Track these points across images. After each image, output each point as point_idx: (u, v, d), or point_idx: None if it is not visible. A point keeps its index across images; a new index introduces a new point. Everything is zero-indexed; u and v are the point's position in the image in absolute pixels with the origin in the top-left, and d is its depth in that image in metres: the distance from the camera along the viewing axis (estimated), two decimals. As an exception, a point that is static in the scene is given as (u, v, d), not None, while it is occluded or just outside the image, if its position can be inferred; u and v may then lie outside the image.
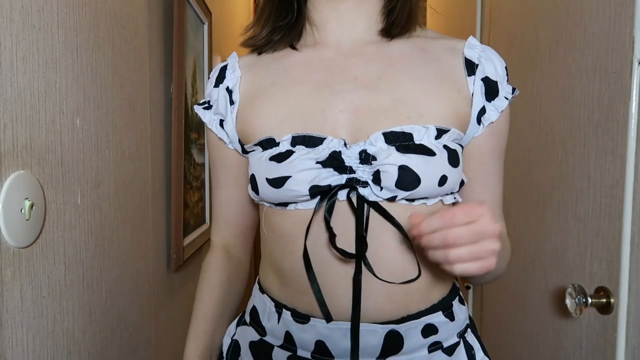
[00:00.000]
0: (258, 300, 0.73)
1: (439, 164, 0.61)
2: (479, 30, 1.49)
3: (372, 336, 0.63)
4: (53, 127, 0.69)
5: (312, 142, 0.63)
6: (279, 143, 0.64)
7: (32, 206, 0.63)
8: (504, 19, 1.30)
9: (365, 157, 0.61)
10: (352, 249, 0.61)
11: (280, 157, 0.63)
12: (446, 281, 0.69)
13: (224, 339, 0.78)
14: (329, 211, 0.61)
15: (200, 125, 1.55)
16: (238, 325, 0.77)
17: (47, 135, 0.68)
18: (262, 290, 0.73)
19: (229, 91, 0.72)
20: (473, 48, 0.69)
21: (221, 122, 0.73)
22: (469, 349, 0.69)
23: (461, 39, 0.71)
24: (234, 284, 0.79)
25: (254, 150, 0.68)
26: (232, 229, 0.80)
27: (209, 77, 0.77)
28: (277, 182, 0.63)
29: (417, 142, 0.61)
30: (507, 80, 0.69)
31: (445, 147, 0.62)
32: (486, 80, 0.67)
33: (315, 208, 0.62)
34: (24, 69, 0.62)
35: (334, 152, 0.61)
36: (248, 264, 0.83)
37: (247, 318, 0.75)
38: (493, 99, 0.67)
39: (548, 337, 1.05)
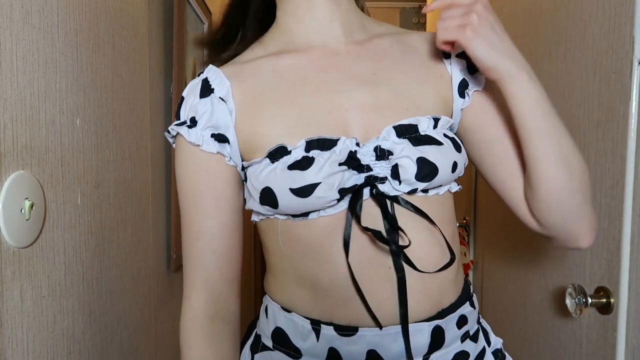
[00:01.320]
0: (283, 321, 0.66)
1: (448, 151, 0.62)
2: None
3: (420, 335, 0.62)
4: (53, 127, 0.69)
5: (326, 145, 0.61)
6: (290, 151, 0.61)
7: (32, 206, 0.63)
8: (504, 19, 1.30)
9: (381, 153, 0.61)
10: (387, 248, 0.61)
11: (301, 165, 0.60)
12: (461, 269, 0.71)
13: None
14: (360, 211, 0.61)
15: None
16: (255, 352, 0.70)
17: (47, 135, 0.68)
18: (286, 309, 0.67)
19: (223, 101, 0.65)
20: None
21: (217, 137, 0.65)
22: (485, 333, 0.72)
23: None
24: (233, 356, 0.68)
25: (257, 163, 0.63)
26: (225, 271, 0.67)
27: (179, 96, 0.68)
28: (304, 191, 0.59)
29: (422, 133, 0.63)
30: None
31: (445, 135, 0.64)
32: (464, 56, 0.68)
33: (349, 210, 0.60)
34: (24, 69, 0.62)
35: (351, 152, 0.60)
36: (239, 314, 0.71)
37: (269, 342, 0.68)
38: (475, 72, 0.68)
39: (548, 337, 1.05)
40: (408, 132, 0.62)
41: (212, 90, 0.65)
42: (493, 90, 0.67)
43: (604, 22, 0.85)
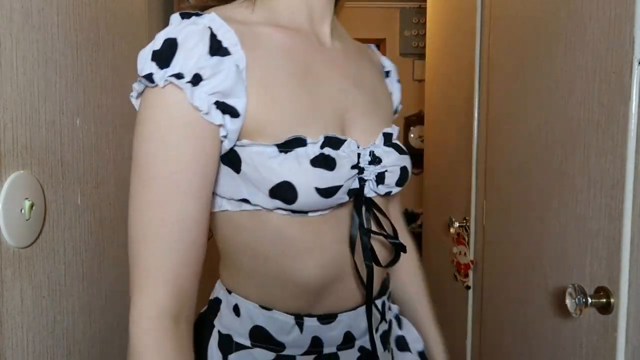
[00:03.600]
0: (263, 319, 0.64)
1: (409, 160, 0.70)
2: (479, 30, 1.49)
3: (375, 310, 0.71)
4: (53, 127, 0.69)
5: (336, 144, 0.59)
6: (307, 144, 0.57)
7: (32, 206, 0.63)
8: (504, 19, 1.30)
9: (373, 159, 0.64)
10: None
11: (327, 164, 0.57)
12: None
13: None
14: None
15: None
16: (228, 352, 0.65)
17: (47, 135, 0.68)
18: (267, 308, 0.65)
19: (238, 69, 0.56)
20: (378, 55, 0.81)
21: (222, 106, 0.55)
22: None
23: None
24: None
25: (261, 147, 0.57)
26: (197, 264, 0.58)
27: (172, 42, 0.54)
28: (329, 192, 0.57)
29: (394, 141, 0.69)
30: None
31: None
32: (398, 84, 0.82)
33: (355, 209, 0.63)
34: (24, 69, 0.62)
35: (358, 154, 0.62)
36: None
37: (245, 341, 0.65)
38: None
39: (548, 337, 1.05)
40: (389, 140, 0.68)
41: (226, 51, 0.55)
42: None
43: (604, 22, 0.85)
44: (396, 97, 0.81)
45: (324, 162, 0.57)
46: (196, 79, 0.53)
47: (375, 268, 0.66)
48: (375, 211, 0.66)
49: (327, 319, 0.66)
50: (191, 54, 0.53)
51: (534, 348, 1.12)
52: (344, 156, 0.59)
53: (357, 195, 0.63)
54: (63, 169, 0.72)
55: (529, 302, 1.14)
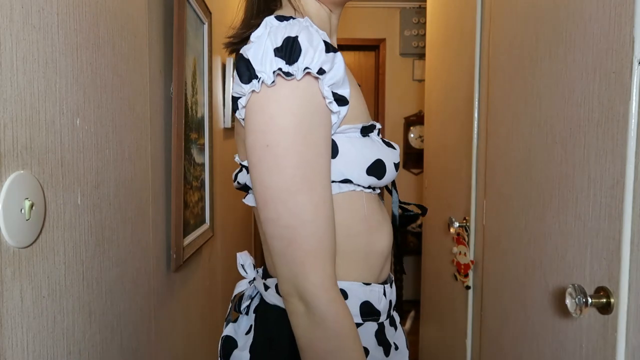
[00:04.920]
0: (367, 294, 0.71)
1: None
2: (479, 30, 1.49)
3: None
4: (53, 127, 0.69)
5: (373, 131, 0.72)
6: (375, 130, 0.70)
7: (32, 206, 0.63)
8: (504, 19, 1.30)
9: None
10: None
11: (390, 145, 0.72)
12: None
13: None
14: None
15: (200, 125, 1.55)
16: None
17: (47, 135, 0.68)
18: (366, 283, 0.72)
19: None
20: None
21: (337, 97, 0.62)
22: None
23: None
24: None
25: (352, 131, 0.67)
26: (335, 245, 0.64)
27: (293, 40, 0.58)
28: (398, 166, 0.72)
29: None
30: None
31: None
32: None
33: (393, 186, 0.81)
34: (24, 69, 0.62)
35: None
36: None
37: (359, 319, 0.71)
38: None
39: (548, 337, 1.05)
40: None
41: (334, 48, 0.62)
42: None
43: (604, 22, 0.85)
44: None
45: (388, 144, 0.72)
46: (321, 72, 0.59)
47: None
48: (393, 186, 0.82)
49: (390, 283, 0.77)
50: (314, 50, 0.59)
51: (534, 348, 1.12)
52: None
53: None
54: (63, 169, 0.72)
55: (529, 302, 1.14)
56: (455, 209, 1.75)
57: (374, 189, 0.72)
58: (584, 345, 0.91)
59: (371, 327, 0.73)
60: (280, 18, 0.61)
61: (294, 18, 0.61)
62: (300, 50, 0.58)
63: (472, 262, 1.55)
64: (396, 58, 3.71)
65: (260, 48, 0.59)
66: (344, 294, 0.70)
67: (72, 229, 0.75)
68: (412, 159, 3.78)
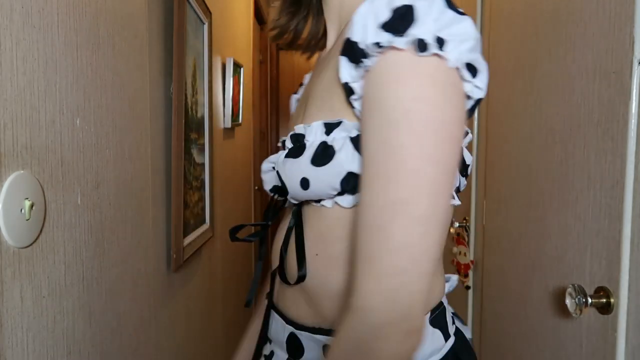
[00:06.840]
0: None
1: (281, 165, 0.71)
2: (479, 30, 1.49)
3: None
4: (53, 127, 0.69)
5: None
6: None
7: (32, 206, 0.63)
8: (504, 19, 1.30)
9: None
10: None
11: None
12: None
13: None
14: None
15: (200, 125, 1.55)
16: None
17: (47, 135, 0.68)
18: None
19: None
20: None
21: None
22: None
23: None
24: None
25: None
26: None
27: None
28: None
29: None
30: None
31: None
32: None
33: None
34: (24, 69, 0.62)
35: None
36: None
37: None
38: None
39: (548, 337, 1.05)
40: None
41: None
42: None
43: (604, 22, 0.85)
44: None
45: None
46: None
47: None
48: None
49: None
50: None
51: (534, 348, 1.12)
52: None
53: None
54: (63, 169, 0.72)
55: (529, 302, 1.14)
56: (455, 209, 1.75)
57: None
58: (584, 345, 0.91)
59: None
60: None
61: None
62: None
63: (472, 262, 1.55)
64: (396, 58, 3.69)
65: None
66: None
67: (72, 229, 0.75)
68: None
